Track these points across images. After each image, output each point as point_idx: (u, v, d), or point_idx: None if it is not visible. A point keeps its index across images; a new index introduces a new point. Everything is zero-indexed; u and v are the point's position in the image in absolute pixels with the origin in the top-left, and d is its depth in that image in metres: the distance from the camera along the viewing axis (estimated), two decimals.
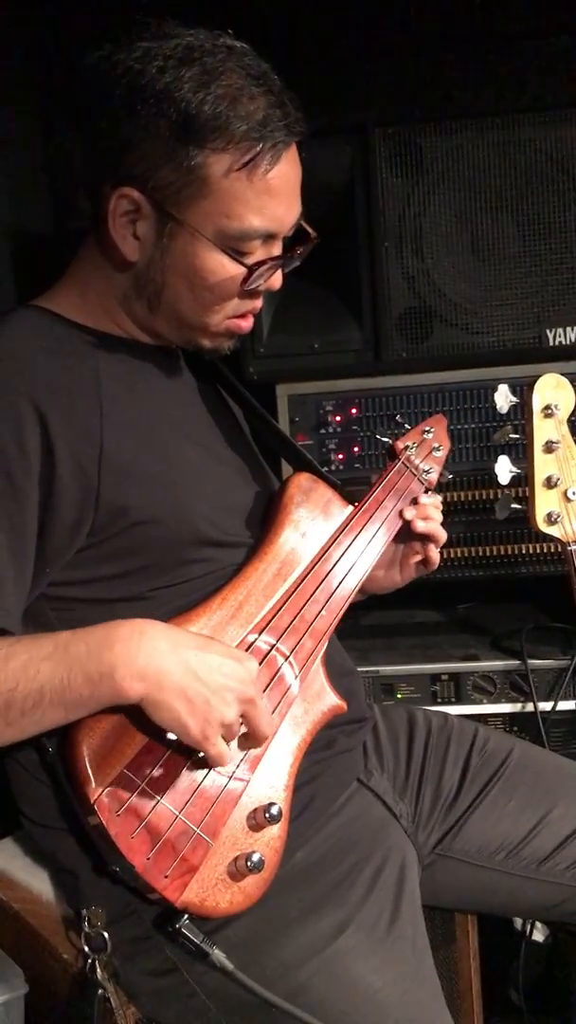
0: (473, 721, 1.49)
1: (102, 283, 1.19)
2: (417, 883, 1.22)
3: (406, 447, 1.42)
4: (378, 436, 1.46)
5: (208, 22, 1.15)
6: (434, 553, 1.38)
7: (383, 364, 1.82)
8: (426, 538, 1.36)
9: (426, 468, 1.43)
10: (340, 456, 1.84)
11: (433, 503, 1.37)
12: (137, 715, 1.01)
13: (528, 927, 1.66)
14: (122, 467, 1.10)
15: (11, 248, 1.85)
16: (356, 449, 1.84)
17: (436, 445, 1.46)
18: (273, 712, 1.12)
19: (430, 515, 1.36)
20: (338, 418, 1.84)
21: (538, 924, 1.70)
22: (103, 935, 1.10)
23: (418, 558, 1.38)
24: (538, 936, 1.68)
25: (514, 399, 1.57)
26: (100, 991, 1.09)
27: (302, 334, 1.82)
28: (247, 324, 1.22)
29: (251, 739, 1.08)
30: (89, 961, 1.10)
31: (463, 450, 1.81)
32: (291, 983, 1.05)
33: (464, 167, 1.76)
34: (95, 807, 0.99)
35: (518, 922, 1.68)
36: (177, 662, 0.99)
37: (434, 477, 1.44)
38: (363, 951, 1.09)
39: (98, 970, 1.10)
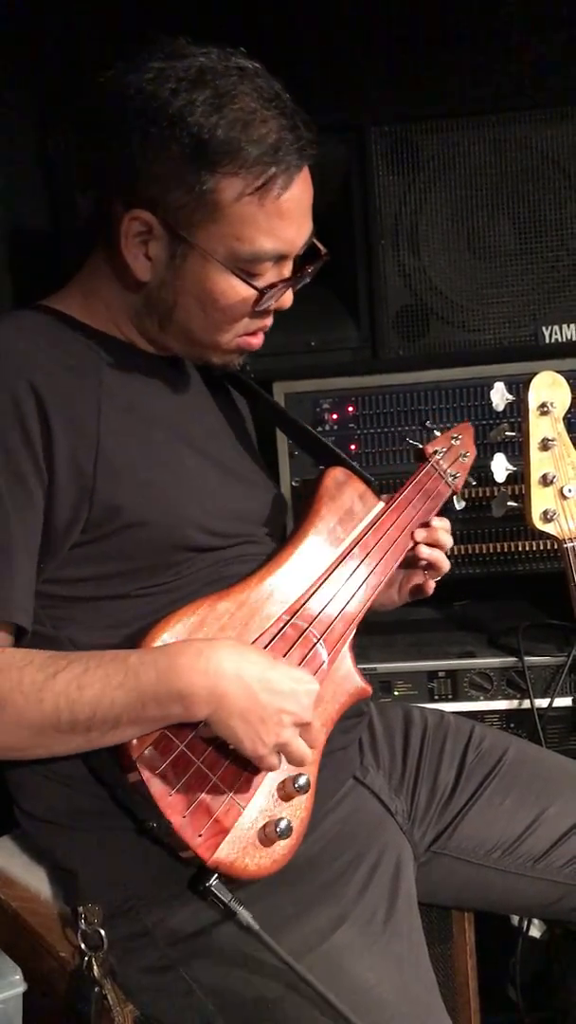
0: (470, 719, 1.49)
1: (111, 296, 1.19)
2: (413, 880, 1.23)
3: (435, 451, 1.46)
4: (409, 440, 1.50)
5: (203, 21, 1.15)
6: (431, 583, 1.39)
7: (380, 362, 1.83)
8: (429, 566, 1.37)
9: (453, 473, 1.47)
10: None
11: (444, 527, 1.38)
12: None
13: (525, 923, 1.66)
14: (117, 468, 1.11)
15: (9, 247, 1.85)
16: (353, 447, 1.84)
17: (464, 452, 1.50)
18: None
19: (439, 540, 1.37)
20: (335, 416, 1.84)
21: (535, 920, 1.70)
22: (99, 932, 1.10)
23: (417, 582, 1.40)
24: (535, 932, 1.68)
25: (510, 397, 1.57)
26: (97, 989, 1.10)
27: (299, 332, 1.82)
28: (257, 341, 1.23)
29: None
30: (86, 959, 1.11)
31: None
32: (287, 978, 1.05)
33: (460, 165, 1.76)
34: (136, 764, 1.02)
35: (515, 918, 1.69)
36: (240, 686, 1.03)
37: (460, 482, 1.48)
38: (358, 947, 1.10)
39: (95, 968, 1.10)
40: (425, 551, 1.36)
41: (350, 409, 1.84)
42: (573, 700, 1.71)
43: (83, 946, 1.11)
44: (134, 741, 1.03)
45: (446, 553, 1.39)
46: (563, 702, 1.71)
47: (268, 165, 1.09)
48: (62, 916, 1.19)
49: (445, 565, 1.39)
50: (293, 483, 1.82)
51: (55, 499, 1.08)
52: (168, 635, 1.08)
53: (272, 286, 1.16)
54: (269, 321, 1.22)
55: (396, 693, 1.75)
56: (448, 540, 1.38)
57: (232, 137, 1.08)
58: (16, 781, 1.16)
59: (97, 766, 1.08)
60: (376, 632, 1.87)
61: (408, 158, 1.76)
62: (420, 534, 1.36)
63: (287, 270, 1.18)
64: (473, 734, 1.41)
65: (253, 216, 1.11)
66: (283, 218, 1.13)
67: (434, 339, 1.80)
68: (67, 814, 1.12)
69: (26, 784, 1.15)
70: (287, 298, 1.20)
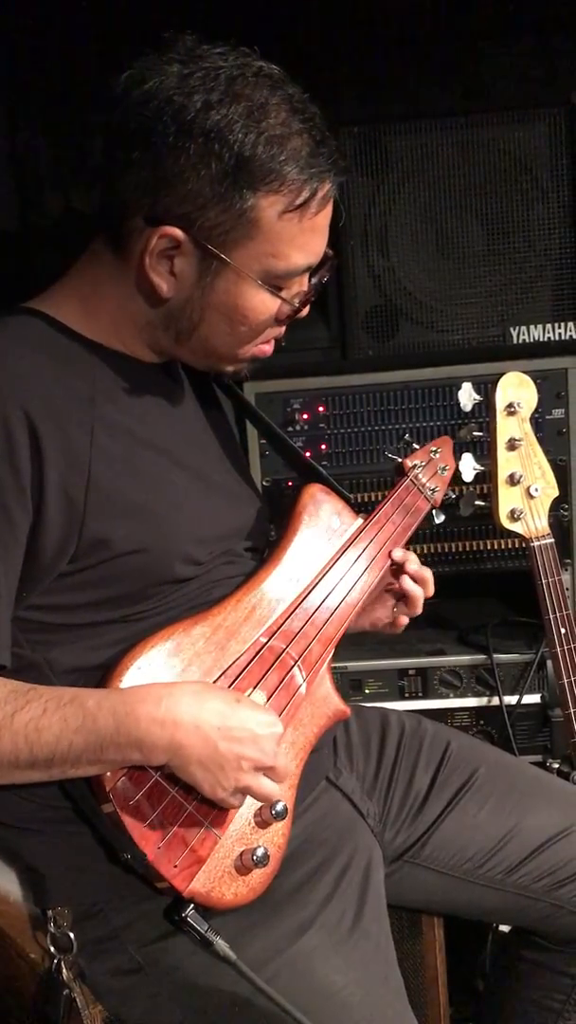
0: (447, 726, 1.49)
1: (117, 305, 1.15)
2: (382, 882, 1.23)
3: (414, 465, 1.45)
4: (388, 454, 1.49)
5: (173, 22, 1.14)
6: (403, 619, 1.37)
7: (350, 362, 1.84)
8: (403, 599, 1.35)
9: (432, 487, 1.46)
10: (307, 454, 1.85)
11: (430, 578, 1.36)
12: None
13: None
14: (108, 498, 1.08)
15: None
16: (323, 447, 1.84)
17: (443, 466, 1.49)
18: (281, 714, 1.14)
19: (427, 579, 1.35)
20: (306, 416, 1.84)
21: None
22: (68, 935, 1.10)
23: (382, 616, 1.37)
24: (504, 927, 1.70)
25: (478, 397, 1.58)
26: (66, 991, 1.10)
27: None
28: (270, 349, 1.22)
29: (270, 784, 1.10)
30: (55, 961, 1.11)
31: None
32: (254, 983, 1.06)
33: (429, 166, 1.78)
34: (110, 795, 1.02)
35: None
36: (197, 736, 1.02)
37: (439, 496, 1.48)
38: (326, 951, 1.10)
39: (64, 970, 1.10)
40: (408, 584, 1.33)
41: (320, 409, 1.84)
42: (541, 697, 1.73)
43: (52, 949, 1.11)
44: (107, 772, 1.02)
45: (426, 596, 1.36)
46: (532, 699, 1.73)
47: (307, 182, 1.07)
48: (32, 918, 1.19)
49: (419, 606, 1.36)
50: (264, 483, 1.83)
51: (42, 531, 1.05)
52: (142, 660, 1.07)
53: (304, 301, 1.16)
54: (283, 330, 1.21)
55: (367, 691, 1.76)
56: (430, 588, 1.36)
57: (272, 154, 1.05)
58: None
59: (71, 791, 1.07)
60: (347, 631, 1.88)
61: (377, 159, 1.77)
62: (413, 566, 1.33)
63: (306, 280, 1.17)
64: (450, 744, 1.40)
65: (290, 233, 1.09)
66: (316, 232, 1.12)
67: (403, 339, 1.82)
68: (34, 821, 1.11)
69: None
70: (306, 308, 1.19)
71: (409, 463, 1.45)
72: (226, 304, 1.12)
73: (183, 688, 1.05)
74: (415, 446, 1.50)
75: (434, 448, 1.49)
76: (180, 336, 1.16)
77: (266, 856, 1.08)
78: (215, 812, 1.07)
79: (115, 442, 1.11)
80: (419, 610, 1.37)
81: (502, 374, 1.55)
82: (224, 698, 1.06)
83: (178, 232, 1.07)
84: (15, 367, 1.06)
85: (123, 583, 1.11)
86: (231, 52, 1.08)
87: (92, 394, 1.11)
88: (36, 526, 1.05)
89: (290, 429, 1.84)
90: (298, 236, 1.10)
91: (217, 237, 1.08)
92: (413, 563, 1.35)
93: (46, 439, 1.04)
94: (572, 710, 1.55)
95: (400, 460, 1.46)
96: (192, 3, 1.67)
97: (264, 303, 1.13)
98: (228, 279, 1.10)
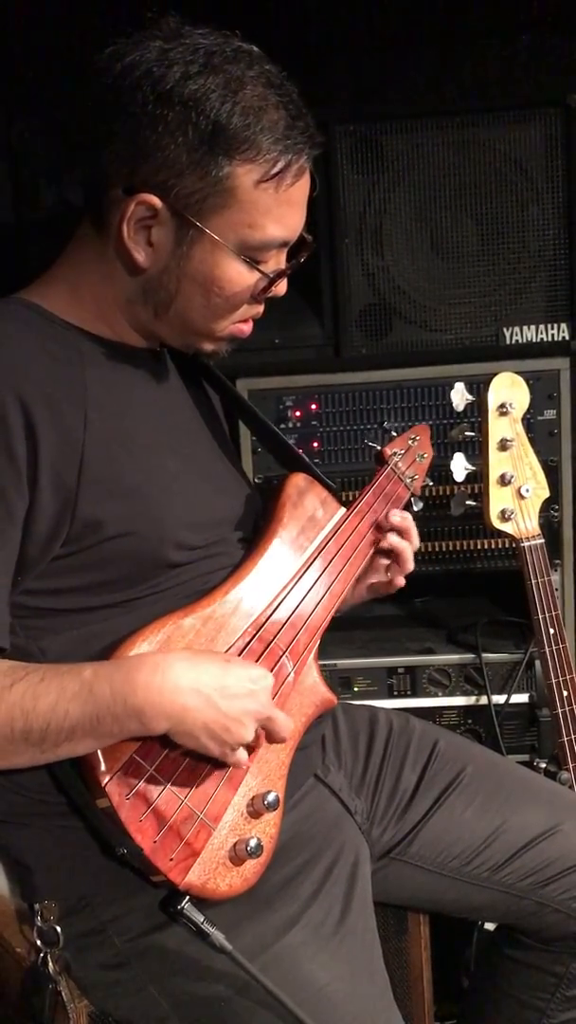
0: (435, 725, 1.50)
1: (100, 284, 1.16)
2: (369, 879, 1.24)
3: (393, 453, 1.46)
4: (368, 442, 1.51)
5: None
6: (400, 579, 1.39)
7: (343, 360, 1.84)
8: (394, 559, 1.37)
9: (411, 475, 1.47)
10: (300, 451, 1.85)
11: (412, 527, 1.38)
12: None
13: None
14: (101, 480, 1.09)
15: None
16: (316, 444, 1.85)
17: (421, 453, 1.51)
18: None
19: (409, 528, 1.37)
20: (298, 413, 1.85)
21: None
22: (55, 929, 1.11)
23: (378, 580, 1.39)
24: (490, 925, 1.71)
25: (470, 397, 1.59)
26: (52, 985, 1.10)
27: (262, 329, 1.80)
28: (248, 328, 1.22)
29: (272, 741, 1.12)
30: (41, 955, 1.11)
31: None
32: (240, 977, 1.06)
33: (424, 165, 1.77)
34: (106, 790, 1.02)
35: None
36: (199, 698, 1.02)
37: (419, 484, 1.49)
38: (312, 947, 1.11)
39: (50, 964, 1.11)
40: (394, 539, 1.35)
41: (313, 406, 1.84)
42: (529, 697, 1.74)
43: (39, 943, 1.11)
44: (103, 766, 1.02)
45: (413, 550, 1.38)
46: (520, 698, 1.74)
47: (282, 153, 1.09)
48: (19, 912, 1.19)
49: (409, 561, 1.37)
50: (256, 479, 1.83)
51: (36, 515, 1.06)
52: (134, 653, 1.07)
53: (281, 273, 1.16)
54: (261, 309, 1.22)
55: (356, 689, 1.77)
56: (415, 539, 1.38)
57: (248, 123, 1.07)
58: None
59: (63, 784, 1.07)
60: (335, 628, 1.87)
61: (372, 157, 1.77)
62: (395, 516, 1.36)
63: (283, 258, 1.18)
64: (438, 742, 1.41)
65: (266, 203, 1.10)
66: (291, 206, 1.13)
67: (397, 338, 1.81)
68: (21, 814, 1.12)
69: None
70: (283, 286, 1.20)
71: (389, 451, 1.46)
72: (202, 273, 1.13)
73: (176, 655, 1.06)
74: (393, 434, 1.52)
75: (412, 436, 1.50)
76: (158, 309, 1.16)
77: (259, 846, 1.08)
78: (209, 803, 1.08)
79: (108, 426, 1.12)
80: (410, 565, 1.38)
81: (495, 374, 1.56)
82: (215, 660, 1.08)
83: (155, 199, 1.09)
84: (8, 353, 1.07)
85: (116, 566, 1.11)
86: (213, 33, 1.11)
87: (84, 379, 1.12)
88: (31, 510, 1.06)
89: (283, 426, 1.84)
90: (274, 208, 1.11)
91: (193, 205, 1.09)
92: (395, 515, 1.37)
93: (40, 423, 1.05)
94: (560, 710, 1.56)
95: (380, 448, 1.47)
96: (186, 3, 1.67)
97: (240, 274, 1.13)
98: (204, 248, 1.11)
